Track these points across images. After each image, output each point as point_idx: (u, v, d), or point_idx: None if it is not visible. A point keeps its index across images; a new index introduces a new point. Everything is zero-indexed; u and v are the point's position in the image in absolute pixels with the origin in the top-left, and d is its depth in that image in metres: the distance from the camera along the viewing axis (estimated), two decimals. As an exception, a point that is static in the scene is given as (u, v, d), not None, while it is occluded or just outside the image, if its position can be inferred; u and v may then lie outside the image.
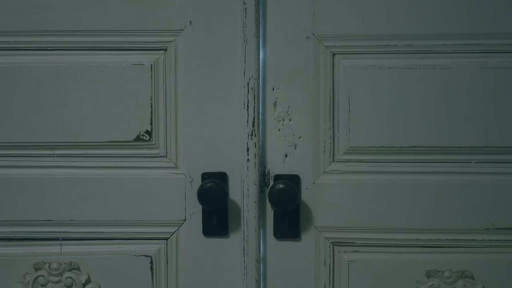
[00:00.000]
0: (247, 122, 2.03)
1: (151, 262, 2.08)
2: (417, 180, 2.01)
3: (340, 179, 2.04)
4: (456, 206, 2.01)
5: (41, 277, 2.07)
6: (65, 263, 2.07)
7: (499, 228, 2.02)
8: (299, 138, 2.02)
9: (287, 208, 1.98)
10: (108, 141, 2.06)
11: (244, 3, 2.01)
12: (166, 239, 2.09)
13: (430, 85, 1.96)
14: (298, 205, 2.03)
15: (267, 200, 2.02)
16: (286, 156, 2.04)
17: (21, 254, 2.08)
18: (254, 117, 2.03)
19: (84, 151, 2.06)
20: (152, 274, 2.08)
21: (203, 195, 2.01)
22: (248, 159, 2.04)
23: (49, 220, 2.07)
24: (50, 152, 2.06)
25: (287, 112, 2.02)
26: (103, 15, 2.03)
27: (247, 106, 2.03)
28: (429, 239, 2.03)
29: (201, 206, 2.06)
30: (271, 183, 2.03)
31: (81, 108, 2.05)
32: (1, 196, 2.06)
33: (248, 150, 2.04)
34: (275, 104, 2.03)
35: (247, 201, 2.06)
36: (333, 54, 2.00)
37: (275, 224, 2.04)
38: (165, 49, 2.05)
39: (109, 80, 2.04)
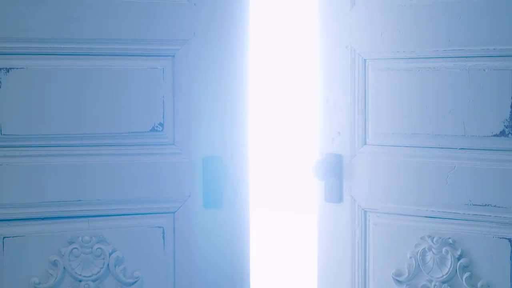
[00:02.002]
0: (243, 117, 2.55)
1: (163, 232, 2.51)
2: (419, 162, 2.53)
3: (369, 159, 2.62)
4: (445, 184, 2.49)
5: (75, 249, 2.42)
6: (95, 236, 2.44)
7: (475, 205, 2.46)
8: (341, 126, 2.62)
9: (322, 179, 2.60)
10: (129, 132, 2.46)
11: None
12: (174, 212, 2.52)
13: (424, 83, 2.50)
14: (341, 177, 2.62)
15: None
16: (333, 140, 2.64)
17: (56, 230, 2.41)
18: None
19: (109, 141, 2.44)
20: (164, 241, 2.51)
21: (210, 174, 2.49)
22: (242, 146, 2.55)
23: (79, 200, 2.43)
24: (81, 142, 2.42)
25: (334, 105, 2.62)
26: (124, 26, 2.43)
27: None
28: (426, 210, 2.53)
29: (201, 184, 2.53)
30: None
31: (106, 104, 2.43)
32: (39, 181, 2.38)
33: (243, 138, 2.55)
34: (327, 100, 2.62)
35: (240, 178, 2.56)
36: (364, 60, 2.59)
37: (325, 191, 2.64)
38: (173, 56, 2.50)
39: (130, 81, 2.45)
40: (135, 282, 2.48)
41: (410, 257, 2.57)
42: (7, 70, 2.35)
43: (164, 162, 2.50)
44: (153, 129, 2.49)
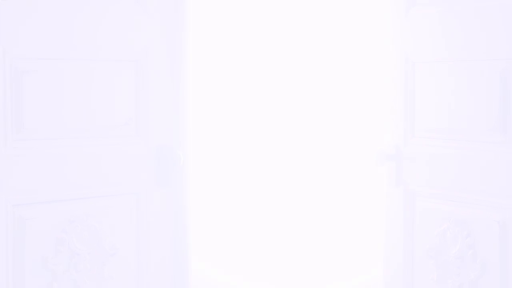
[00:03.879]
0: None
1: (132, 210, 2.99)
2: (443, 152, 2.93)
3: (414, 150, 3.08)
4: (460, 171, 2.86)
5: (77, 227, 2.80)
6: (90, 215, 2.84)
7: (477, 190, 2.80)
8: (399, 119, 3.11)
9: (381, 165, 3.13)
10: (110, 125, 2.91)
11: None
12: (138, 192, 3.01)
13: (446, 84, 2.92)
14: (398, 165, 3.11)
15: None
16: (393, 132, 3.15)
17: (61, 211, 2.78)
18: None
19: (97, 133, 2.87)
20: (132, 217, 2.99)
21: (162, 159, 3.04)
22: (186, 137, 3.12)
23: (76, 184, 2.82)
24: (78, 134, 2.81)
25: (394, 101, 3.14)
26: (104, 35, 2.88)
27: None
28: (447, 193, 2.92)
29: (156, 169, 3.05)
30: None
31: (95, 102, 2.86)
32: (47, 168, 2.74)
33: (186, 131, 3.12)
34: (389, 97, 3.16)
35: (185, 164, 3.12)
36: (413, 63, 3.07)
37: (387, 177, 3.17)
38: (137, 61, 2.99)
39: (110, 81, 2.91)
40: (116, 252, 2.92)
41: (436, 235, 2.96)
42: (28, 72, 2.67)
43: (132, 150, 2.98)
44: (126, 123, 2.95)
